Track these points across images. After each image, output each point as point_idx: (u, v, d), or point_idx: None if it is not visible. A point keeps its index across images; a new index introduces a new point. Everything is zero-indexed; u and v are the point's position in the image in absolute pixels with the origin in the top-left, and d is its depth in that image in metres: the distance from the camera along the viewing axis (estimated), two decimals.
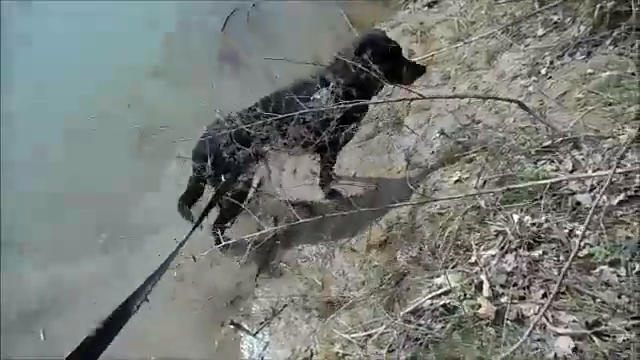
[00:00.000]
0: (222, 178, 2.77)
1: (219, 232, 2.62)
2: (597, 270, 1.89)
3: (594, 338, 1.75)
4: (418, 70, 3.05)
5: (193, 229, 2.42)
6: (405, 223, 2.82)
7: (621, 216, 2.00)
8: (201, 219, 2.51)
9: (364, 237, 2.94)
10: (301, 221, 2.39)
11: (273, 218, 3.22)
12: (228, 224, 2.98)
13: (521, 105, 2.43)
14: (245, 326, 2.87)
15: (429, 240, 2.48)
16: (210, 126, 2.84)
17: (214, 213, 2.91)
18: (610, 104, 2.56)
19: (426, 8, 4.62)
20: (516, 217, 2.17)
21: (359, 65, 2.50)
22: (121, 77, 4.38)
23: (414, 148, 3.23)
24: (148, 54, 4.66)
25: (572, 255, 1.62)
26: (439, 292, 2.10)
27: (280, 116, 2.43)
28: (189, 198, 3.07)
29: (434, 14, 4.50)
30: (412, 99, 2.46)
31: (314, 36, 4.58)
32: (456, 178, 2.77)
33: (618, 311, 1.77)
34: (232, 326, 2.86)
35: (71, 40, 4.86)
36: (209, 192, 2.87)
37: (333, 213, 2.74)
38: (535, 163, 2.40)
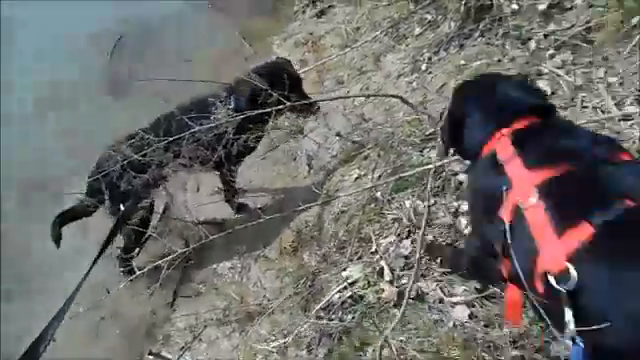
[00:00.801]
0: (121, 207, 2.69)
1: (126, 263, 2.54)
2: None
3: (485, 302, 1.90)
4: (311, 107, 3.06)
5: (94, 263, 2.34)
6: (313, 225, 2.90)
7: None
8: (101, 252, 2.43)
9: (277, 245, 2.97)
10: (211, 238, 2.40)
11: (184, 240, 3.15)
12: (134, 253, 2.89)
13: (402, 99, 2.59)
14: (165, 354, 2.78)
15: (335, 238, 2.56)
16: (102, 158, 2.77)
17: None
18: None
19: (315, 18, 4.77)
20: (408, 203, 2.31)
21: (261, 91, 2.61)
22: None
23: (315, 153, 3.32)
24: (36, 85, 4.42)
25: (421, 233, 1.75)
26: (345, 284, 2.17)
27: (171, 138, 2.42)
28: (67, 218, 2.84)
29: (323, 24, 4.66)
30: (300, 103, 2.56)
31: (209, 53, 4.57)
32: (355, 176, 2.90)
33: None
34: (151, 356, 2.76)
35: None
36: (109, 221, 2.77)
37: (241, 225, 2.74)
38: (421, 151, 2.57)
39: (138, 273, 2.40)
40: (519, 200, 1.25)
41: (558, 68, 2.61)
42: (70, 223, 2.84)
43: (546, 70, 2.65)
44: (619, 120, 2.20)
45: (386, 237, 2.28)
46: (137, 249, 2.92)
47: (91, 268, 2.31)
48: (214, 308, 2.86)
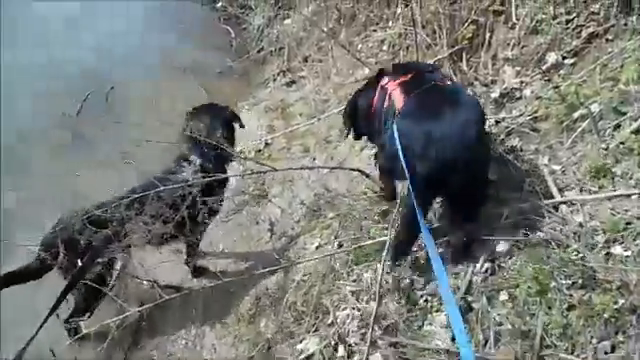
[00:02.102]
0: (77, 263, 2.64)
1: (72, 324, 2.47)
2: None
3: None
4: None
5: (43, 323, 2.26)
6: (272, 293, 2.90)
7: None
8: (52, 311, 2.35)
9: (234, 311, 2.95)
10: (166, 298, 2.38)
11: (139, 303, 3.07)
12: (85, 316, 2.80)
13: (362, 172, 2.72)
14: None
15: (293, 307, 2.58)
16: (65, 215, 2.75)
17: None
18: None
19: (285, 87, 4.98)
20: (367, 275, 2.37)
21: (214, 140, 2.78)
22: None
23: (277, 219, 3.38)
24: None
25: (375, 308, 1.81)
26: (301, 358, 2.17)
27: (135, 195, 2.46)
28: (10, 280, 2.70)
29: (293, 92, 4.87)
30: (265, 171, 2.65)
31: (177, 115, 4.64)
32: (316, 244, 2.96)
33: None
34: None
35: None
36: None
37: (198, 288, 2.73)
38: (378, 223, 2.67)
39: (82, 333, 2.35)
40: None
41: (507, 153, 2.81)
42: (14, 285, 2.69)
43: (496, 155, 2.85)
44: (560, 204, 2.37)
45: (344, 309, 2.32)
46: (89, 311, 2.83)
47: (38, 330, 2.23)
48: None
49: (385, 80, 2.51)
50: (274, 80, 5.14)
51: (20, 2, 5.95)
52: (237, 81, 5.20)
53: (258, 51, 5.47)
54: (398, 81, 2.41)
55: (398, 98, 2.33)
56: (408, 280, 2.27)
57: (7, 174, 3.91)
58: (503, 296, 2.09)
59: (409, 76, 2.42)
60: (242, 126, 3.29)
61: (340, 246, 2.74)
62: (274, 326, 2.61)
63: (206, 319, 2.98)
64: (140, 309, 2.41)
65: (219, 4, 6.11)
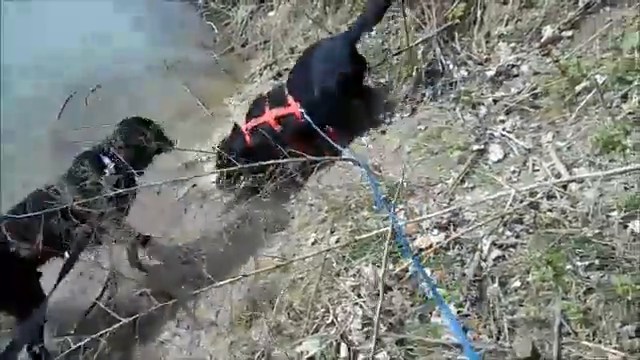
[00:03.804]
0: None
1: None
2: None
3: None
4: None
5: None
6: (269, 293, 2.74)
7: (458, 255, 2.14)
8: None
9: (228, 315, 2.78)
10: (159, 305, 2.20)
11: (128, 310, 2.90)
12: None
13: (356, 163, 2.56)
14: None
15: (290, 307, 2.42)
16: None
17: None
18: (436, 153, 2.82)
19: (272, 80, 4.80)
20: (367, 270, 2.22)
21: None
22: None
23: (270, 216, 3.22)
24: None
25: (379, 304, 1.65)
26: None
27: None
28: None
29: None
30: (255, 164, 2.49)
31: (164, 115, 4.48)
32: (312, 240, 2.80)
33: None
34: None
35: None
36: None
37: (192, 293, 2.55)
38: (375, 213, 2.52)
39: None
40: None
41: (508, 132, 2.66)
42: None
43: (497, 134, 2.70)
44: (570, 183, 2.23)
45: (344, 306, 2.16)
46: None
47: None
48: None
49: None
50: (260, 74, 4.96)
51: None
52: (222, 77, 5.00)
53: (242, 46, 5.29)
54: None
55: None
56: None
57: None
58: (515, 283, 1.94)
59: None
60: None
61: (337, 241, 2.58)
62: (271, 329, 2.44)
63: (202, 324, 2.82)
64: (132, 318, 2.22)
65: (200, 0, 5.93)
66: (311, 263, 2.62)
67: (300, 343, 2.12)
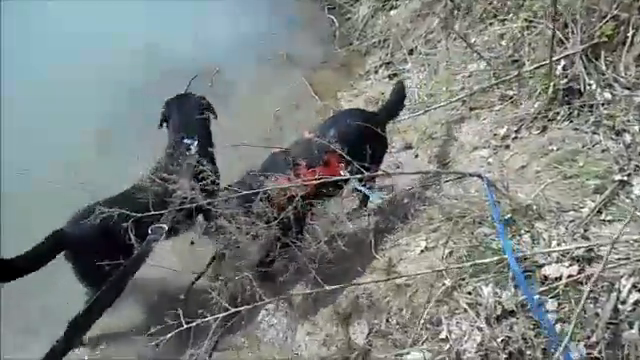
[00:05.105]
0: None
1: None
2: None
3: None
4: None
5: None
6: (370, 294, 2.72)
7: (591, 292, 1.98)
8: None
9: (329, 309, 2.80)
10: (266, 302, 2.25)
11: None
12: None
13: (482, 179, 2.45)
14: None
15: (396, 313, 2.38)
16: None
17: None
18: (569, 177, 2.63)
19: (387, 79, 4.76)
20: (485, 290, 2.12)
21: None
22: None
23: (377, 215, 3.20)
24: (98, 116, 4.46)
25: None
26: None
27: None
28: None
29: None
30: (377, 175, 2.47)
31: (277, 103, 4.60)
32: (422, 248, 2.73)
33: None
34: None
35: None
36: None
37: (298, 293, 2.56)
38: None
39: None
40: None
41: None
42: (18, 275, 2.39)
43: None
44: None
45: (457, 324, 2.09)
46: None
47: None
48: None
49: None
50: (375, 72, 4.94)
51: None
52: (338, 71, 5.06)
53: (361, 42, 5.29)
54: None
55: None
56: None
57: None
58: None
59: None
60: (215, 117, 3.34)
61: (450, 253, 2.50)
62: (373, 331, 2.43)
63: (299, 314, 2.86)
64: (240, 309, 2.24)
65: None
66: (418, 269, 2.57)
67: (408, 352, 2.08)
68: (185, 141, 2.98)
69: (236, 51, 5.20)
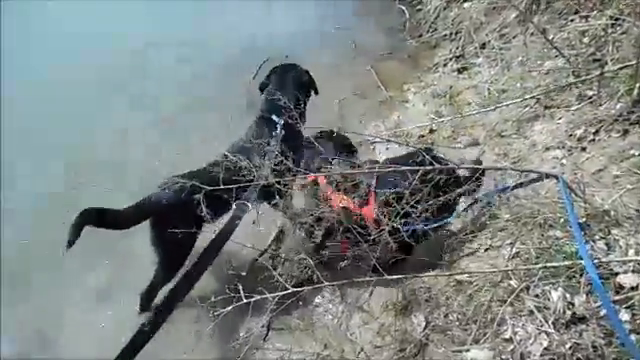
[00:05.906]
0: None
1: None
2: None
3: None
4: None
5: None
6: (429, 288, 2.70)
7: None
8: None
9: (385, 299, 2.80)
10: (325, 284, 2.27)
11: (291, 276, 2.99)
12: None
13: (559, 180, 2.36)
14: None
15: (457, 309, 2.35)
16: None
17: None
18: None
19: (455, 73, 4.65)
20: (555, 294, 2.05)
21: None
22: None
23: None
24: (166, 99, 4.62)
25: None
26: None
27: None
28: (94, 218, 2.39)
29: (463, 80, 4.53)
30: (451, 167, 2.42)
31: (342, 91, 4.60)
32: (487, 246, 2.67)
33: None
34: None
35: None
36: None
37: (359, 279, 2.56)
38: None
39: None
40: None
41: None
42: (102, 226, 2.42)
43: None
44: None
45: (523, 326, 2.03)
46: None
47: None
48: (309, 348, 2.74)
49: None
50: (444, 65, 4.83)
51: None
52: (404, 63, 4.98)
53: (431, 34, 5.19)
54: None
55: None
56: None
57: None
58: None
59: None
60: (317, 92, 3.24)
61: (517, 254, 2.43)
62: (431, 325, 2.41)
63: (355, 301, 2.88)
64: (300, 290, 2.27)
65: None
66: (481, 267, 2.52)
67: (468, 349, 2.06)
68: (273, 118, 2.91)
69: (304, 38, 5.24)
